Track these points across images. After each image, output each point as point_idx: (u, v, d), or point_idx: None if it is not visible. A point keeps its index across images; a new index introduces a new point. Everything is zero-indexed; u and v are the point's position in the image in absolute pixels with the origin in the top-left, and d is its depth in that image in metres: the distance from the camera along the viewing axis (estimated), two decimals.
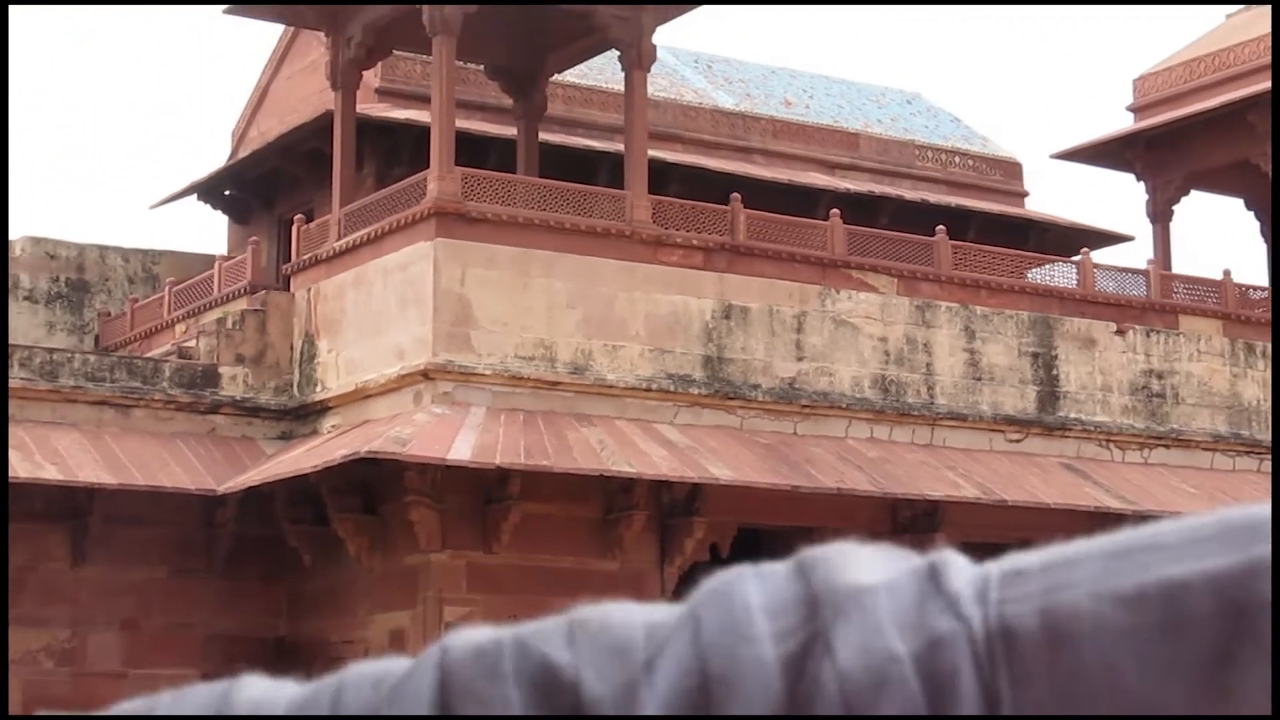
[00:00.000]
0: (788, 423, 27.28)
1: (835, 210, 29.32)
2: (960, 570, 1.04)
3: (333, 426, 26.85)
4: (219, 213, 35.65)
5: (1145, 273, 31.36)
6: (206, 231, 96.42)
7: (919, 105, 39.71)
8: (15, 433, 25.62)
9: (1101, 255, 32.87)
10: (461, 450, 23.99)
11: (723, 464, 25.48)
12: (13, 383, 26.20)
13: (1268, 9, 34.16)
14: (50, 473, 25.07)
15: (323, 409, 27.29)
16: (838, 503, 26.30)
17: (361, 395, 26.48)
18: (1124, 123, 35.13)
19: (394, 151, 30.94)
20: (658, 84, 32.22)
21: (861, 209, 32.80)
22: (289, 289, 28.61)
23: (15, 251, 32.99)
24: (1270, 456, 30.98)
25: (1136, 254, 42.22)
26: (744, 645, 1.03)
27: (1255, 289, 32.35)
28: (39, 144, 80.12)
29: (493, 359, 25.63)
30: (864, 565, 1.05)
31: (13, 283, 32.75)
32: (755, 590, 1.07)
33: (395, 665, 1.17)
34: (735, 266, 27.34)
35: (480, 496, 25.08)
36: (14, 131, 77.83)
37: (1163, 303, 30.79)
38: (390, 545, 25.47)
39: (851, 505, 26.55)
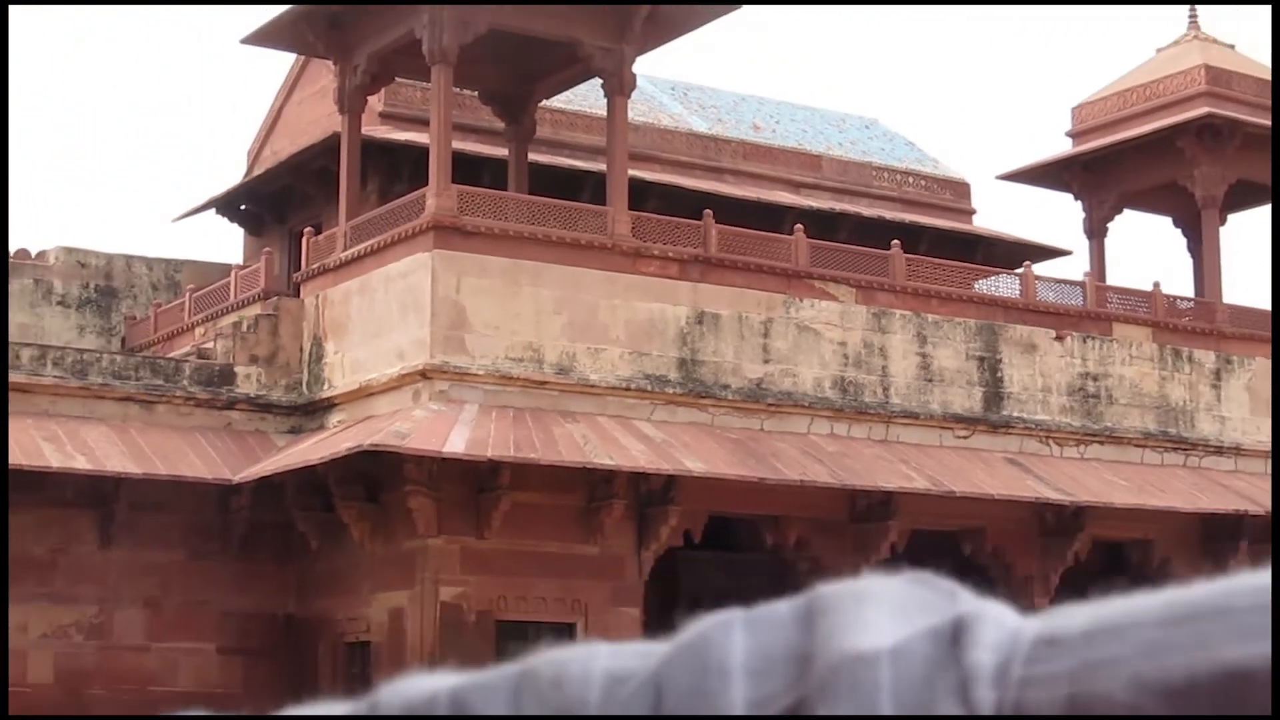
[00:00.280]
0: (755, 420, 27.28)
1: (799, 226, 29.31)
2: (988, 632, 0.82)
3: (338, 422, 26.81)
4: (235, 225, 35.58)
5: (1082, 284, 31.40)
6: (224, 243, 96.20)
7: (876, 130, 39.71)
8: (48, 426, 25.60)
9: (1042, 268, 32.91)
10: (456, 444, 23.98)
11: (695, 457, 25.47)
12: (46, 380, 26.17)
13: (1196, 44, 34.21)
14: (80, 463, 25.04)
15: (329, 405, 27.26)
16: (800, 493, 26.31)
17: (365, 393, 26.45)
18: (1063, 147, 35.15)
19: (396, 170, 30.90)
20: (637, 109, 32.19)
21: (823, 225, 32.79)
22: (299, 295, 28.57)
23: (49, 260, 32.92)
24: (1192, 451, 31.03)
25: (1074, 267, 42.25)
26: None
27: (1182, 299, 32.41)
28: (72, 160, 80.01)
29: (485, 360, 25.61)
30: (876, 620, 0.84)
31: (46, 288, 32.68)
32: (740, 644, 0.88)
33: (326, 713, 0.99)
34: (707, 277, 27.34)
35: (473, 486, 25.05)
36: (51, 149, 77.71)
37: (1097, 312, 30.82)
38: (391, 531, 25.44)
39: (813, 495, 26.56)
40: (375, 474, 25.16)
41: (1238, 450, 31.49)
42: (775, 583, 29.96)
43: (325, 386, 27.38)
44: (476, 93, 30.26)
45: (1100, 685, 0.76)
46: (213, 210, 35.52)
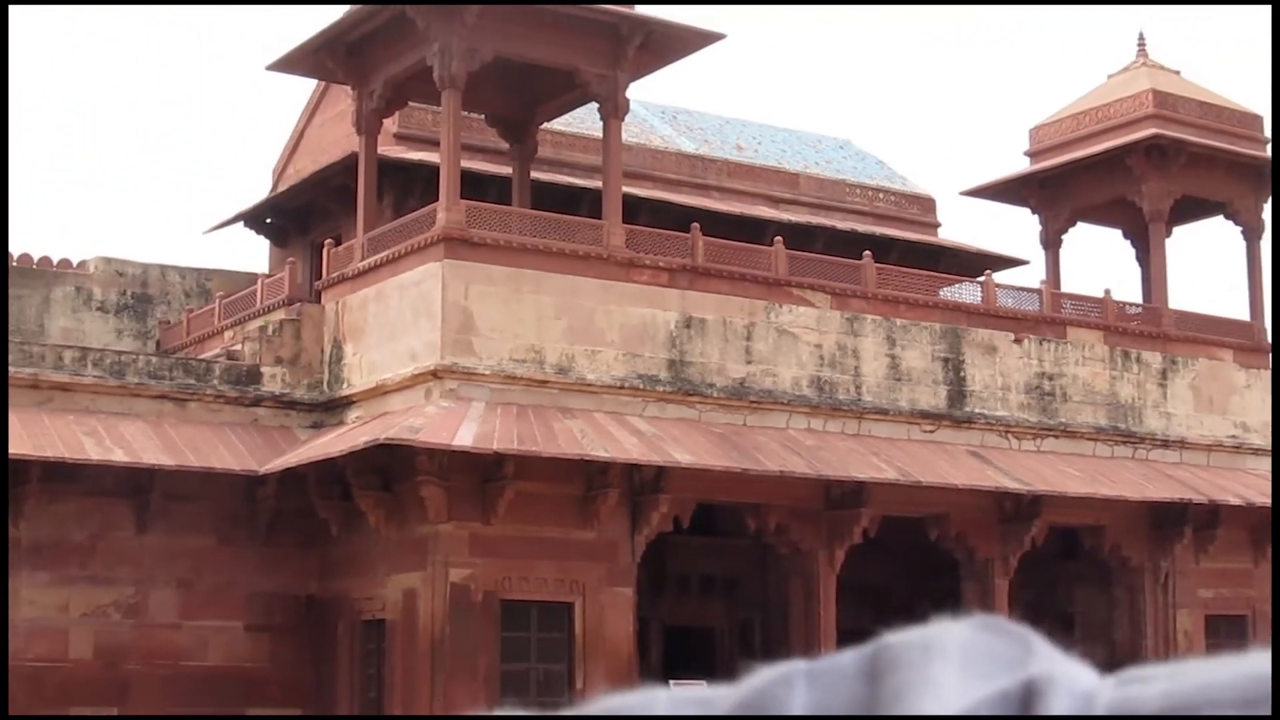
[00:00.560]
0: (738, 416, 27.26)
1: (778, 238, 29.30)
2: (1060, 699, 0.71)
3: (356, 417, 26.78)
4: (262, 237, 35.56)
5: (1038, 291, 31.39)
6: (251, 253, 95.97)
7: (849, 150, 39.70)
8: (89, 422, 25.57)
9: (1002, 276, 32.88)
10: (464, 437, 23.95)
11: (684, 450, 25.45)
12: (86, 379, 26.14)
13: (1144, 70, 34.21)
14: (118, 455, 25.00)
15: (348, 403, 27.23)
16: (780, 483, 26.29)
17: (381, 391, 26.43)
18: (1021, 165, 35.13)
19: (409, 187, 30.87)
20: (630, 131, 32.18)
21: (800, 237, 32.78)
22: (320, 302, 28.54)
23: (90, 269, 32.88)
24: (1141, 444, 31.03)
25: (1031, 275, 42.24)
26: None
27: (1131, 305, 32.40)
28: (112, 176, 79.99)
29: (491, 361, 25.59)
30: (945, 679, 0.73)
31: (87, 295, 32.64)
32: (802, 701, 0.76)
33: None
34: (695, 285, 27.32)
35: (480, 476, 25.03)
36: (93, 166, 77.68)
37: (1053, 316, 30.81)
38: (404, 517, 25.41)
39: (791, 485, 26.54)
40: (390, 465, 25.13)
41: (1182, 444, 31.50)
42: (757, 566, 29.98)
43: (344, 385, 27.35)
44: (483, 116, 30.24)
45: None
46: (241, 223, 35.51)
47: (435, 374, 25.35)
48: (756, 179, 36.30)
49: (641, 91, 30.63)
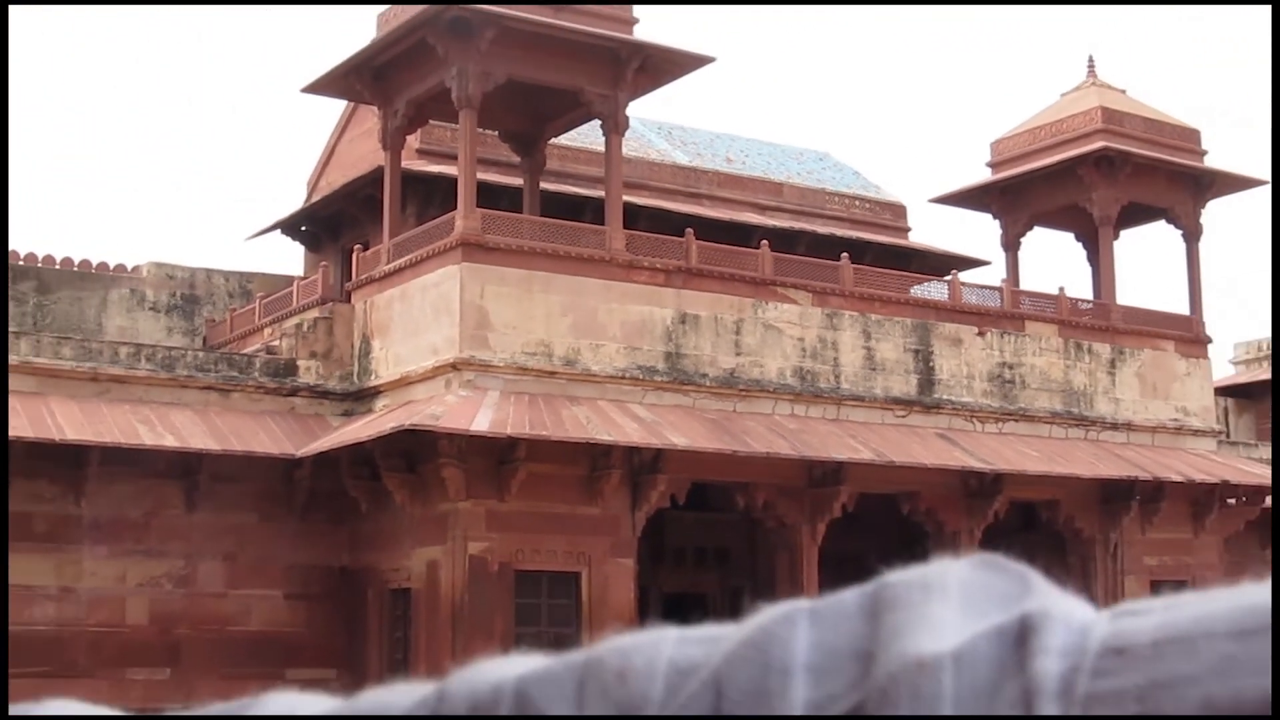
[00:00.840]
0: (729, 403, 27.27)
1: (764, 242, 29.30)
2: (1056, 633, 0.67)
3: (383, 406, 26.79)
4: (297, 244, 35.53)
5: (999, 289, 31.40)
6: (288, 258, 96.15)
7: (828, 162, 39.68)
8: (142, 411, 25.59)
9: (966, 276, 32.87)
10: (481, 423, 23.97)
11: (679, 434, 25.46)
12: (140, 373, 26.15)
13: (1094, 89, 34.21)
14: (169, 441, 25.02)
15: (375, 392, 27.23)
16: (766, 463, 26.30)
17: (405, 382, 26.43)
18: (983, 175, 35.13)
19: (430, 197, 30.87)
20: (630, 145, 32.17)
21: (784, 241, 32.77)
22: (350, 302, 28.54)
23: (142, 273, 32.88)
24: (1092, 427, 31.05)
25: (993, 275, 42.27)
26: None
27: (1083, 301, 32.39)
28: (164, 188, 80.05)
29: (504, 355, 25.59)
30: (942, 616, 0.68)
31: (140, 297, 32.64)
32: (804, 639, 0.72)
33: (397, 701, 0.83)
34: (689, 284, 27.32)
35: (495, 458, 25.03)
36: (145, 179, 77.70)
37: (1013, 312, 30.81)
38: (427, 496, 25.42)
39: (777, 465, 26.56)
40: (414, 449, 25.14)
41: (1129, 426, 31.52)
42: (746, 538, 30.01)
43: (372, 377, 27.35)
44: (497, 132, 30.24)
45: (1169, 708, 0.61)
46: (279, 231, 35.50)
47: (454, 366, 25.35)
48: (744, 188, 36.29)
49: (640, 109, 30.62)
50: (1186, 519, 31.47)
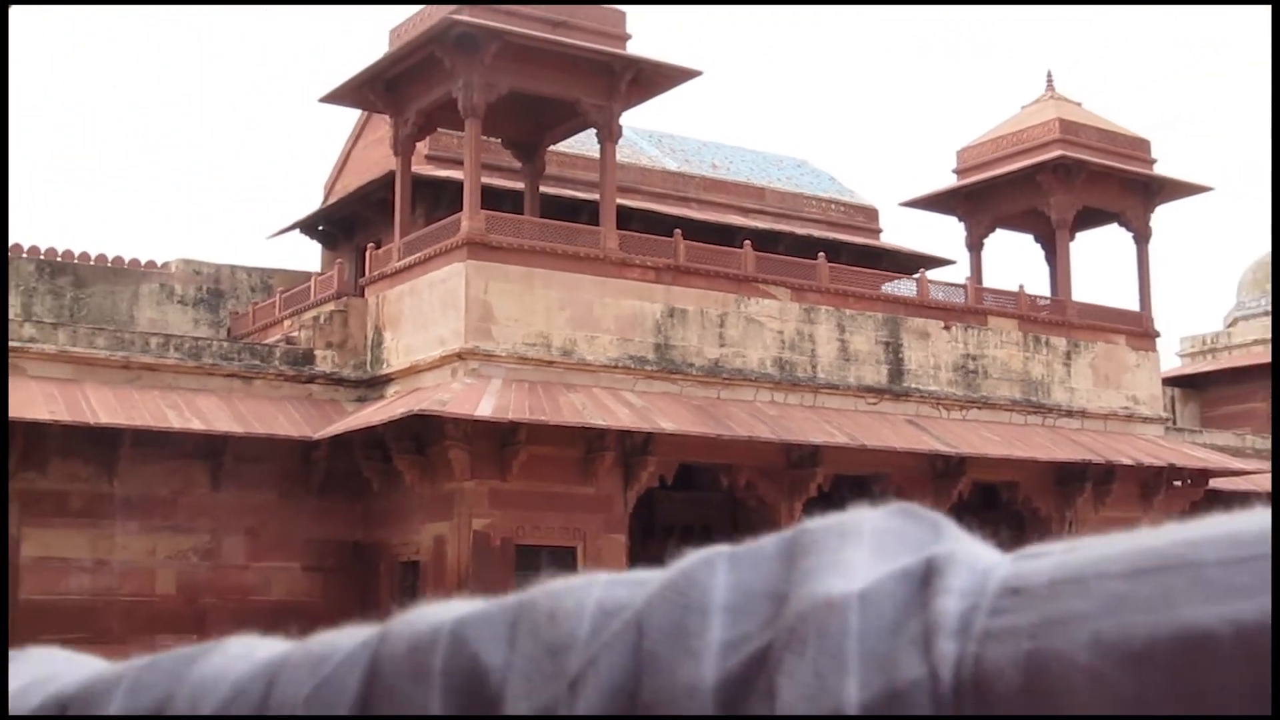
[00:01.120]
0: (713, 390, 27.27)
1: (747, 242, 29.29)
2: (959, 574, 0.64)
3: (394, 392, 26.78)
4: (315, 242, 35.47)
5: (964, 286, 31.41)
6: (306, 255, 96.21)
7: (806, 168, 39.68)
8: (171, 396, 25.56)
9: (933, 274, 32.89)
10: (485, 409, 23.96)
11: (668, 419, 25.46)
12: (169, 361, 26.12)
13: (1052, 102, 34.22)
14: (196, 425, 24.99)
15: (387, 380, 27.22)
16: (748, 446, 26.32)
17: (414, 371, 26.42)
18: (949, 180, 35.14)
19: (438, 199, 30.84)
20: (623, 152, 32.15)
21: (766, 241, 32.77)
22: (364, 296, 28.51)
23: (171, 269, 32.79)
24: (1049, 414, 31.08)
25: (958, 273, 42.29)
26: (684, 662, 0.65)
27: (1041, 298, 32.40)
28: (192, 190, 79.96)
29: (507, 345, 25.59)
30: (854, 559, 0.66)
31: (169, 291, 32.56)
32: (723, 581, 0.69)
33: (344, 642, 0.82)
34: (677, 281, 27.31)
35: (498, 441, 25.03)
36: (174, 181, 77.58)
37: (976, 308, 30.83)
38: (435, 476, 25.42)
39: (758, 448, 26.57)
40: (423, 432, 25.14)
41: (1084, 414, 31.55)
42: (729, 516, 30.02)
43: (384, 365, 27.34)
44: (500, 140, 30.21)
45: (1059, 643, 0.58)
46: (298, 230, 35.45)
47: (460, 356, 25.34)
48: (729, 192, 36.28)
49: (632, 119, 30.64)
50: (1136, 499, 31.50)
